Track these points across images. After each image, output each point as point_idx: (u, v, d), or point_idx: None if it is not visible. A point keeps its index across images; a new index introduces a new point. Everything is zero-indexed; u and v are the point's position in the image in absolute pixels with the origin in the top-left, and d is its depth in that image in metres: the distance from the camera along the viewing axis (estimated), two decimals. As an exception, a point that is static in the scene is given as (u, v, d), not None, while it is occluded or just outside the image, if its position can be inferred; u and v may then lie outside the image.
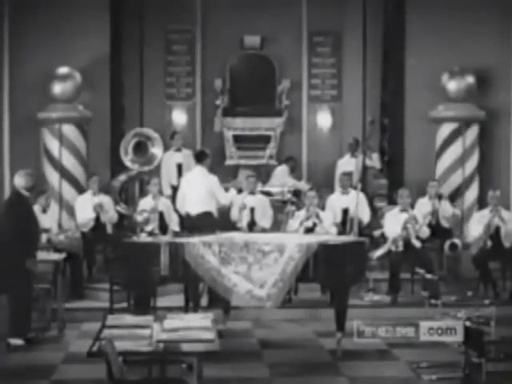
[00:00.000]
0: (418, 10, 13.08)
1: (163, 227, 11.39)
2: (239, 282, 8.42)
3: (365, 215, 11.87)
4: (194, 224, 10.63)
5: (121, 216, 12.16)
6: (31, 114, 12.50)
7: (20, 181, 9.19)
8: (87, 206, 11.79)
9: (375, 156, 13.50)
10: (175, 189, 12.13)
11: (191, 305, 9.73)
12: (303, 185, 13.16)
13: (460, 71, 12.78)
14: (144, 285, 9.01)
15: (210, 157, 11.11)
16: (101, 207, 11.74)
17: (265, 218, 11.68)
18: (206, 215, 10.73)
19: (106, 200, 11.90)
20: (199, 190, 10.73)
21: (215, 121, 14.21)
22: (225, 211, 11.56)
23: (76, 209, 12.00)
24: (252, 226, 11.55)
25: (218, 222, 10.88)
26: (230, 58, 14.44)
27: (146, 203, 11.59)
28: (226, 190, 11.50)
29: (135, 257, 8.94)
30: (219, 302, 9.65)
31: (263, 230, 11.37)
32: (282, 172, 13.41)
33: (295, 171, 13.65)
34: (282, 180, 13.14)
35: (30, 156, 12.41)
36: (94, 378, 7.14)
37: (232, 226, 11.27)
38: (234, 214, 11.66)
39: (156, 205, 11.51)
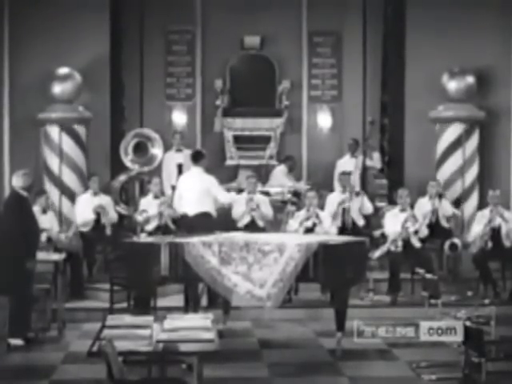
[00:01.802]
0: (418, 10, 13.07)
1: (164, 227, 11.44)
2: (239, 281, 8.43)
3: (367, 207, 11.95)
4: (191, 224, 10.62)
5: (121, 216, 12.17)
6: (31, 114, 12.50)
7: (18, 181, 9.20)
8: (87, 207, 11.78)
9: (376, 155, 13.51)
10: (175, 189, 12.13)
11: (191, 305, 9.72)
12: (301, 185, 13.17)
13: (460, 71, 12.78)
14: (144, 285, 9.01)
15: (207, 157, 11.11)
16: (102, 208, 11.73)
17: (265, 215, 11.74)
18: (204, 216, 10.70)
19: (106, 200, 11.90)
20: (196, 191, 10.71)
21: (215, 121, 14.19)
22: (225, 211, 11.55)
23: (76, 209, 11.99)
24: (252, 226, 11.53)
25: (215, 221, 10.85)
26: (230, 58, 14.42)
27: (146, 202, 11.63)
28: (228, 191, 11.52)
29: (135, 257, 8.95)
30: (219, 302, 9.66)
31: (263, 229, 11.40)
32: (280, 172, 13.41)
33: (294, 171, 13.65)
34: (280, 180, 13.14)
35: (30, 157, 12.42)
36: (94, 378, 7.15)
37: (232, 226, 11.25)
38: (237, 213, 11.62)
39: (161, 207, 11.55)
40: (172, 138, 13.35)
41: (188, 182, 10.89)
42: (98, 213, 11.75)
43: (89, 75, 12.67)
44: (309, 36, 14.66)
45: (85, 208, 11.79)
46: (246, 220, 11.62)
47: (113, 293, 10.41)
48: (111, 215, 11.86)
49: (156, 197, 11.82)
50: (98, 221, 11.77)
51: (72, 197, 12.46)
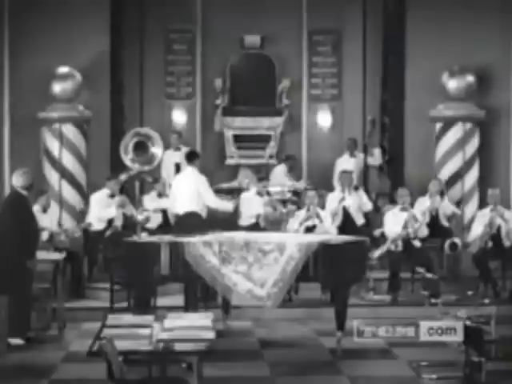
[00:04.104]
0: (418, 10, 13.07)
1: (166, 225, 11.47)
2: (239, 281, 8.43)
3: (366, 204, 12.07)
4: (182, 224, 10.60)
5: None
6: (31, 113, 12.50)
7: (18, 180, 9.20)
8: (108, 204, 11.62)
9: (377, 151, 13.52)
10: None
11: (191, 304, 9.71)
12: (302, 184, 13.17)
13: (460, 70, 12.77)
14: (144, 284, 9.01)
15: (201, 157, 11.11)
16: (123, 203, 11.66)
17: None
18: (192, 215, 10.66)
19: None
20: (188, 190, 10.70)
21: (215, 120, 14.20)
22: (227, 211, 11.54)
23: (93, 204, 11.79)
24: (255, 227, 11.54)
25: (205, 221, 10.80)
26: (230, 57, 14.42)
27: (150, 200, 11.70)
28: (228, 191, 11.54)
29: (135, 256, 8.95)
30: (215, 302, 9.65)
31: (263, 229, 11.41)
32: (280, 172, 13.39)
33: (294, 170, 13.62)
34: (280, 180, 13.12)
35: (30, 156, 12.42)
36: (94, 377, 7.14)
37: (233, 226, 11.23)
38: (248, 211, 11.64)
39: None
40: (170, 138, 13.34)
41: (181, 181, 10.93)
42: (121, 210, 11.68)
43: (89, 75, 12.66)
44: (309, 35, 14.66)
45: (104, 204, 11.62)
46: (251, 220, 11.66)
47: (113, 292, 10.42)
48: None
49: (160, 195, 11.91)
50: (109, 222, 11.70)
51: (71, 196, 12.47)
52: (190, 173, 10.86)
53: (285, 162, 13.61)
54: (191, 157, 11.00)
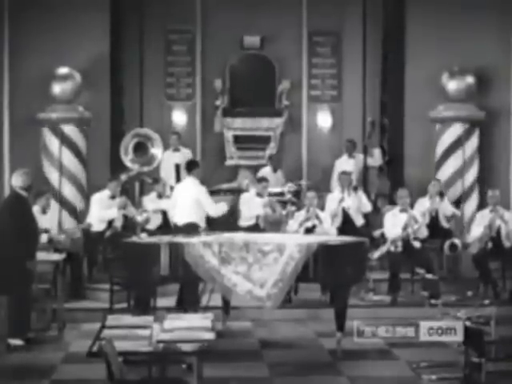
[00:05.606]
0: (417, 10, 13.09)
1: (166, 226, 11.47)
2: (239, 282, 8.43)
3: (365, 205, 12.07)
4: (180, 234, 10.58)
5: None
6: (31, 114, 12.50)
7: (17, 181, 9.19)
8: (109, 205, 11.63)
9: (376, 152, 13.51)
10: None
11: (187, 304, 9.67)
12: (287, 187, 13.04)
13: (460, 71, 12.78)
14: (144, 285, 9.01)
15: (200, 166, 11.07)
16: (124, 205, 11.65)
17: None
18: (190, 226, 10.60)
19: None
20: (187, 201, 10.64)
21: (215, 121, 14.21)
22: (228, 212, 11.52)
23: (93, 205, 11.80)
24: (254, 227, 11.53)
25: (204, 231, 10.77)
26: (229, 58, 14.44)
27: (150, 199, 11.68)
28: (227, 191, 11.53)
29: (135, 257, 8.95)
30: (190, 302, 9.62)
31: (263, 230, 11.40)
32: (264, 173, 13.13)
33: (278, 170, 13.42)
34: None
35: (30, 157, 12.42)
36: (94, 378, 7.13)
37: (233, 227, 11.22)
38: (248, 212, 11.65)
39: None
40: (169, 139, 13.34)
41: (180, 192, 10.89)
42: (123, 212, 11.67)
43: (89, 75, 12.67)
44: (309, 36, 14.68)
45: (105, 205, 11.61)
46: (251, 221, 11.66)
47: (113, 293, 10.42)
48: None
49: (159, 196, 11.91)
50: (109, 222, 11.68)
51: (71, 197, 12.48)
52: (190, 183, 10.79)
53: (269, 163, 13.49)
54: (191, 166, 10.92)
